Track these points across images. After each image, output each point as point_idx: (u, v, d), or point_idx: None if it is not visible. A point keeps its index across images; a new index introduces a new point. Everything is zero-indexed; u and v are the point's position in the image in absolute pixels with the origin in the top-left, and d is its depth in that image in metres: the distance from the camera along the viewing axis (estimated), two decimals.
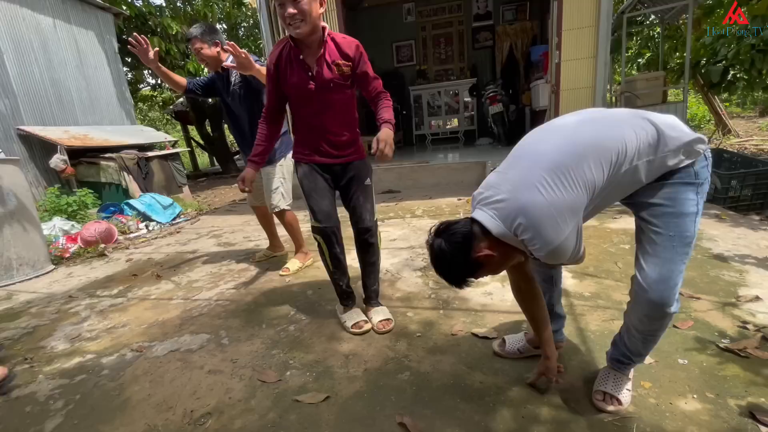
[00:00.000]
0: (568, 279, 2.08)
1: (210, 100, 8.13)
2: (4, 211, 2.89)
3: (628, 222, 2.84)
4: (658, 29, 5.79)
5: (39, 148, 5.06)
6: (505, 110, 6.15)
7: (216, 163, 11.54)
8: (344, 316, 1.87)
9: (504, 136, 6.20)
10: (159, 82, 11.60)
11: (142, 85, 11.25)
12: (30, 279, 3.02)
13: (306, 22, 1.53)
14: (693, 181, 1.05)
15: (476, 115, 8.30)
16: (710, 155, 1.08)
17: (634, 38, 6.92)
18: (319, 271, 2.58)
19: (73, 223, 4.17)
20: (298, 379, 1.50)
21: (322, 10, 1.59)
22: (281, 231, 2.91)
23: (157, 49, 2.19)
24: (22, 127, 4.92)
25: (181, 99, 11.46)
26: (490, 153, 5.68)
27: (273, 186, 2.48)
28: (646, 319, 1.13)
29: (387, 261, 2.63)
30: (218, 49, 2.30)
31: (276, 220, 2.76)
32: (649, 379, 1.31)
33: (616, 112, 1.13)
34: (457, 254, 1.07)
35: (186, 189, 6.41)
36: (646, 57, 6.70)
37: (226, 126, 10.93)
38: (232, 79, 2.37)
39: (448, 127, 8.88)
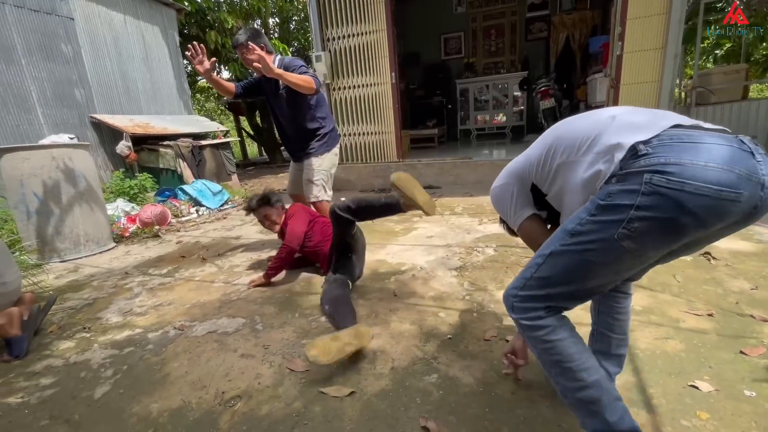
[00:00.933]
0: None
1: None
2: (75, 191, 3.18)
3: None
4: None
5: (108, 135, 5.52)
6: (557, 105, 5.81)
7: (264, 153, 12.01)
8: None
9: None
10: (215, 74, 12.24)
11: (200, 77, 11.90)
12: (94, 254, 3.30)
13: None
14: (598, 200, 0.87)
15: (525, 109, 7.93)
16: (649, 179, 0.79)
17: (712, 26, 6.23)
18: None
19: (133, 204, 4.52)
20: (325, 370, 1.51)
21: None
22: None
23: (214, 59, 2.33)
24: (94, 115, 5.38)
25: None
26: None
27: (314, 177, 2.53)
28: None
29: (422, 258, 2.58)
30: (264, 52, 2.36)
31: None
32: (707, 410, 1.17)
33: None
34: None
35: (234, 177, 6.72)
36: (725, 48, 6.01)
37: None
38: (280, 83, 2.44)
39: (494, 122, 8.56)
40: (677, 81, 4.23)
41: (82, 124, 5.27)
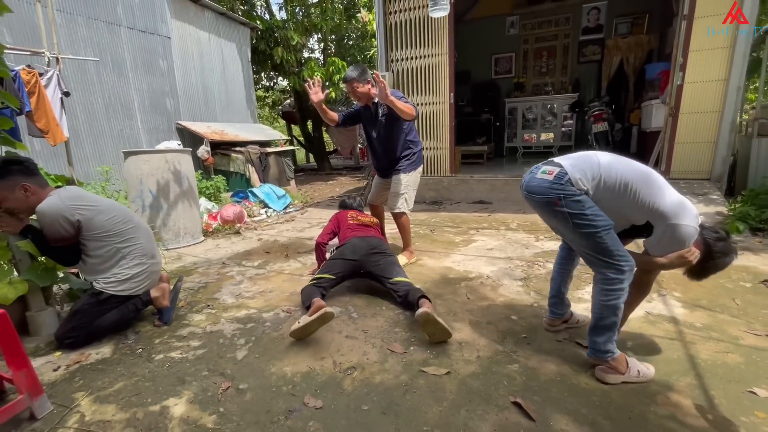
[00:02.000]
0: (677, 308, 2.11)
1: None
2: (180, 190, 3.70)
3: (751, 259, 2.69)
4: None
5: (189, 139, 6.18)
6: (609, 129, 5.90)
7: (312, 160, 12.65)
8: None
9: None
10: (272, 84, 13.08)
11: (257, 87, 12.78)
12: (190, 245, 3.81)
13: None
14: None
15: (574, 130, 8.01)
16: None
17: None
18: (424, 269, 2.90)
19: (213, 203, 5.07)
20: (420, 354, 1.81)
21: None
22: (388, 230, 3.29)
23: (327, 91, 2.78)
24: (179, 122, 6.06)
25: (289, 100, 12.79)
26: None
27: (401, 191, 2.89)
28: None
29: (486, 268, 2.84)
30: (369, 86, 2.78)
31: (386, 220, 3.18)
32: (764, 411, 1.37)
33: None
34: None
35: (293, 182, 7.25)
36: None
37: (324, 128, 11.95)
38: (380, 111, 2.84)
39: (541, 140, 8.67)
40: (739, 112, 4.27)
41: (170, 130, 5.95)
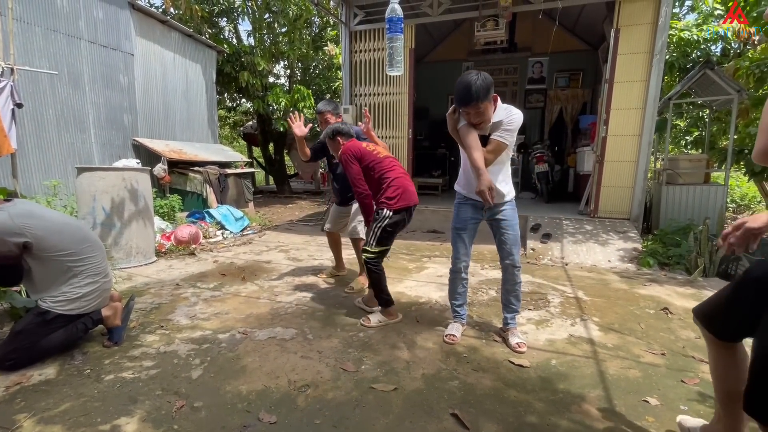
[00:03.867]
0: (595, 331, 2.44)
1: (282, 128, 9.12)
2: (135, 209, 3.64)
3: (657, 290, 3.14)
4: (708, 111, 6.09)
5: (145, 156, 6.03)
6: (550, 170, 6.56)
7: (271, 182, 12.57)
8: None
9: (546, 193, 6.58)
10: (234, 105, 13.03)
11: (219, 107, 12.67)
12: (141, 265, 3.71)
13: None
14: None
15: (520, 169, 8.74)
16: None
17: (684, 116, 7.21)
18: None
19: (167, 223, 4.95)
20: (371, 372, 1.96)
21: None
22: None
23: (310, 125, 2.93)
24: (136, 138, 5.93)
25: (251, 122, 12.77)
26: (531, 207, 6.05)
27: (362, 218, 3.06)
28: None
29: (435, 293, 3.07)
30: (340, 119, 3.01)
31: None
32: (653, 416, 1.66)
33: None
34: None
35: (251, 205, 7.21)
36: (694, 135, 6.95)
37: (285, 151, 12.01)
38: None
39: None
40: (651, 162, 4.98)
41: (125, 146, 5.79)
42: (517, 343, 2.20)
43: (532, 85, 8.86)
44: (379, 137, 5.02)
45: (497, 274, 3.57)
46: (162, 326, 2.43)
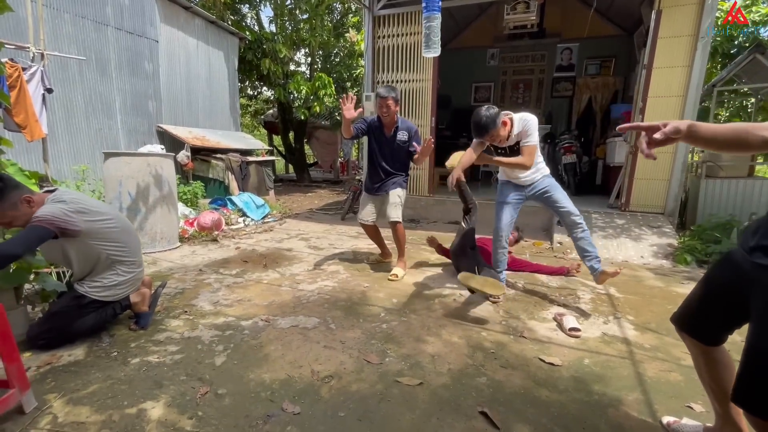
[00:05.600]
0: (630, 330, 2.31)
1: (302, 117, 9.08)
2: (160, 194, 3.68)
3: None
4: (753, 99, 5.71)
5: (168, 143, 6.11)
6: (578, 161, 6.31)
7: (291, 171, 12.65)
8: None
9: (574, 185, 6.34)
10: (255, 93, 13.09)
11: (241, 95, 12.76)
12: (165, 250, 3.76)
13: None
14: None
15: (545, 160, 8.46)
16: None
17: (726, 105, 6.79)
18: (400, 284, 3.01)
19: (190, 209, 5.01)
20: (395, 365, 1.90)
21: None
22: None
23: (361, 110, 2.95)
24: (160, 125, 6.00)
25: (272, 111, 12.83)
26: None
27: (399, 201, 3.16)
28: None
29: (458, 285, 2.99)
30: (398, 108, 3.05)
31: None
32: (699, 422, 1.55)
33: None
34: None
35: (272, 193, 7.25)
36: None
37: (305, 140, 12.02)
38: (399, 136, 3.11)
39: None
40: (690, 154, 4.70)
41: (150, 132, 5.87)
42: (571, 328, 2.23)
43: (561, 73, 8.51)
44: None
45: None
46: (186, 311, 2.44)
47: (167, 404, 1.58)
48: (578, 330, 2.23)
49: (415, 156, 3.08)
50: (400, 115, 5.61)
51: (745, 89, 5.11)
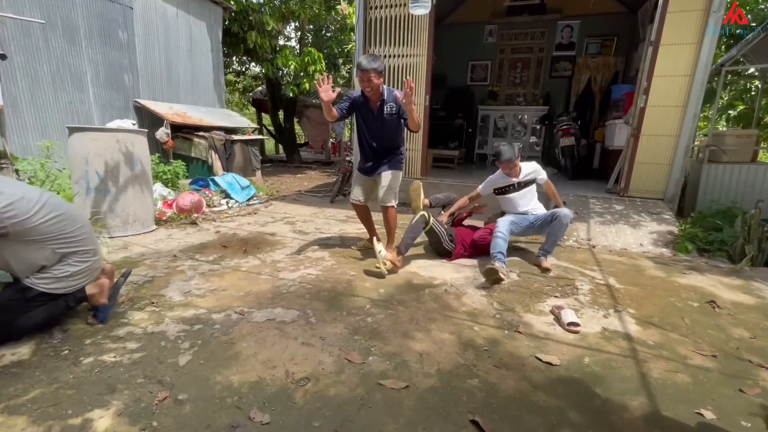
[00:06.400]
0: (631, 325, 2.16)
1: (291, 94, 8.69)
2: (131, 174, 3.41)
3: (699, 280, 2.83)
4: (757, 82, 5.51)
5: (147, 119, 5.77)
6: (576, 144, 6.11)
7: (281, 152, 12.28)
8: None
9: (571, 169, 6.15)
10: (243, 69, 12.54)
11: (228, 71, 12.21)
12: (139, 234, 3.52)
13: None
14: None
15: (542, 143, 8.25)
16: None
17: (727, 88, 6.60)
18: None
19: (170, 190, 4.74)
20: (379, 365, 1.73)
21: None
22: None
23: (339, 90, 2.67)
24: (138, 100, 5.64)
25: (261, 87, 12.33)
26: (554, 184, 5.66)
27: (393, 185, 2.95)
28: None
29: (450, 275, 2.81)
30: (382, 80, 2.75)
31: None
32: None
33: None
34: None
35: (259, 173, 6.96)
36: (738, 110, 6.36)
37: (296, 119, 11.62)
38: (387, 109, 2.82)
39: None
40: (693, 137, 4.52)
41: (126, 108, 5.52)
42: (570, 323, 2.09)
43: (560, 52, 8.19)
44: None
45: (519, 255, 3.30)
46: (153, 302, 2.23)
47: (118, 413, 1.39)
48: (577, 325, 2.08)
49: (402, 100, 2.68)
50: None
51: (752, 70, 4.89)
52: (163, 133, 5.45)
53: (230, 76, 12.71)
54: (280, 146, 12.23)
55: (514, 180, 3.16)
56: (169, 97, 6.26)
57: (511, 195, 3.22)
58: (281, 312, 2.17)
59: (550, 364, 1.78)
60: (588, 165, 7.04)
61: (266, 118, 12.12)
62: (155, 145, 5.81)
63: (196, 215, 4.19)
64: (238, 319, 2.08)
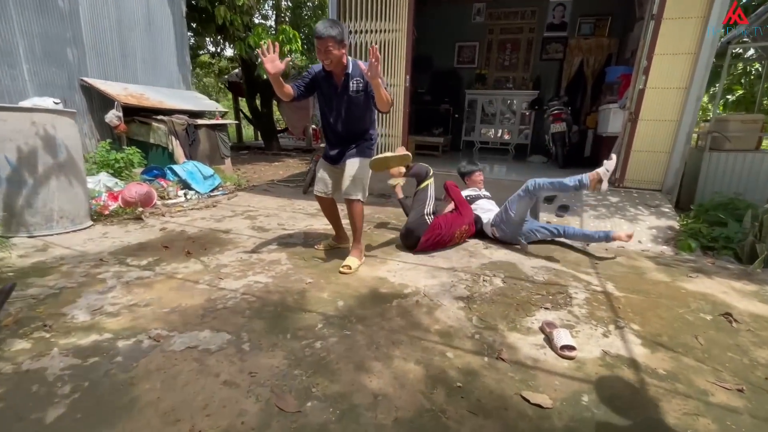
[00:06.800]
0: (637, 346, 1.79)
1: (265, 76, 8.08)
2: (54, 162, 2.90)
3: (708, 285, 2.48)
4: (757, 65, 5.17)
5: (98, 101, 5.17)
6: (567, 130, 5.72)
7: (260, 138, 11.67)
8: None
9: (562, 157, 5.78)
10: (218, 50, 11.79)
11: (202, 51, 11.46)
12: (68, 232, 3.03)
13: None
14: None
15: (532, 129, 7.87)
16: None
17: (728, 70, 6.24)
18: (352, 279, 2.41)
19: (117, 180, 4.22)
20: (319, 414, 1.32)
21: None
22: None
23: (288, 59, 2.24)
24: (85, 79, 5.03)
25: (237, 70, 11.63)
26: (544, 173, 5.29)
27: (358, 174, 2.50)
28: None
29: (425, 281, 2.41)
30: (344, 50, 2.28)
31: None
32: None
33: None
34: None
35: (228, 161, 6.43)
36: (736, 94, 6.03)
37: (275, 103, 10.99)
38: (353, 85, 2.37)
39: (499, 137, 8.48)
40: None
41: (71, 87, 4.91)
42: (564, 346, 1.70)
43: (552, 32, 7.76)
44: None
45: (503, 256, 2.91)
46: (46, 325, 1.77)
47: None
48: (573, 348, 1.70)
49: (366, 73, 2.24)
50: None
51: (750, 53, 4.53)
52: (113, 116, 4.88)
53: (204, 57, 11.97)
54: (260, 133, 11.61)
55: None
56: (124, 76, 5.65)
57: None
58: (208, 336, 1.74)
59: (540, 406, 1.39)
60: (580, 153, 6.68)
61: (243, 102, 11.44)
62: (107, 130, 5.24)
63: (141, 209, 3.70)
64: (150, 348, 1.64)
